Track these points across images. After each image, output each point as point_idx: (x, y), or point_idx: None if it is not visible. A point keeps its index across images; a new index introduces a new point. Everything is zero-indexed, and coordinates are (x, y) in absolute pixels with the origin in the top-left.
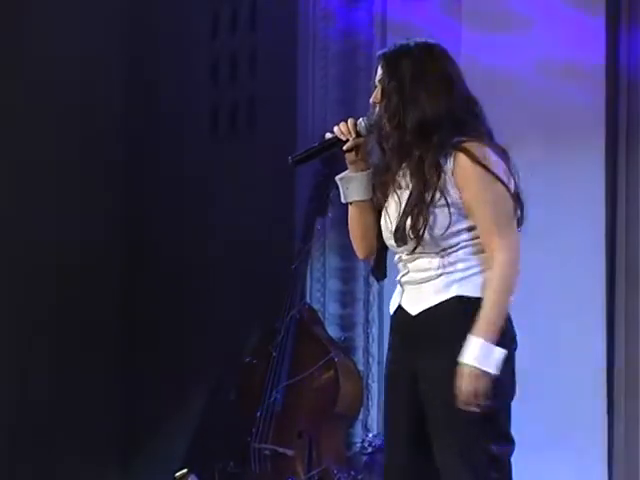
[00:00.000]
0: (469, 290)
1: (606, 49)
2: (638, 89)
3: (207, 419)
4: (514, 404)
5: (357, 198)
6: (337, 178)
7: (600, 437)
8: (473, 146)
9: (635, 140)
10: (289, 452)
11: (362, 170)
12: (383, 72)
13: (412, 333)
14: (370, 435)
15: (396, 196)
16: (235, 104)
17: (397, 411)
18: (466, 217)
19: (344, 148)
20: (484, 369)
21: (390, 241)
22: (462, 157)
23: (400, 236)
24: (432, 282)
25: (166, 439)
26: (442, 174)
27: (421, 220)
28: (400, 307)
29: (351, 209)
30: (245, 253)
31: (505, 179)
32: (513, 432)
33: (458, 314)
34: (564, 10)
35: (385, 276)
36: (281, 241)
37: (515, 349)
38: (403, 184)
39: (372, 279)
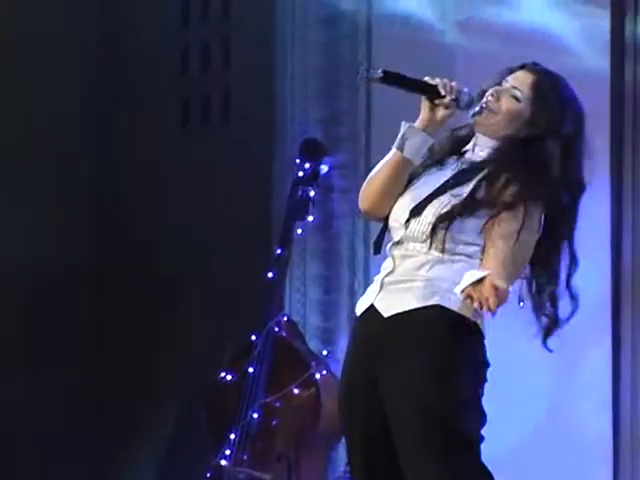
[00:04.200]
0: (453, 304)
1: (611, 54)
2: None
3: (177, 440)
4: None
5: (410, 157)
6: (405, 124)
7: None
8: None
9: None
10: (266, 477)
11: (431, 132)
12: (535, 82)
13: (379, 335)
14: None
15: (435, 177)
16: (207, 96)
17: (353, 414)
18: (481, 236)
19: (436, 102)
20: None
21: (399, 216)
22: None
23: (417, 208)
24: (416, 286)
25: (133, 463)
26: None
27: (442, 218)
28: (371, 307)
29: (393, 161)
30: (217, 260)
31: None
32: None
33: (436, 323)
34: (568, 14)
35: (380, 252)
36: (257, 246)
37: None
38: (450, 170)
39: (356, 288)
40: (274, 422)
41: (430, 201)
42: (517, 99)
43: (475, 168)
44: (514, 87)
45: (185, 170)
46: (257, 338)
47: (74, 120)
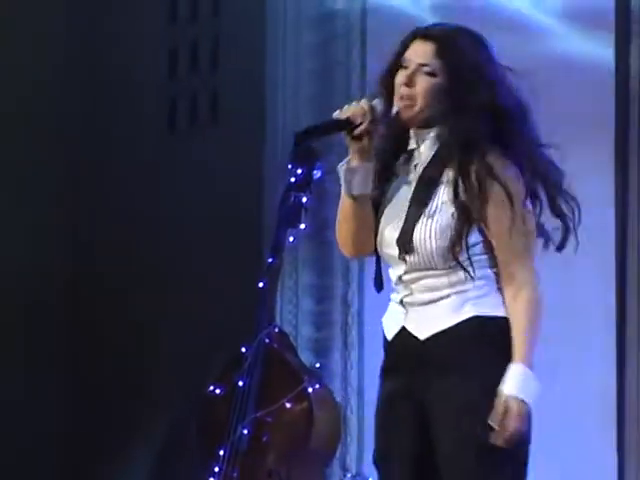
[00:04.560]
0: (487, 309)
1: (616, 53)
2: None
3: (164, 457)
4: None
5: (362, 191)
6: (341, 168)
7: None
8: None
9: None
10: None
11: (368, 160)
12: (438, 50)
13: (421, 360)
14: (348, 475)
15: (401, 195)
16: (195, 97)
17: (400, 431)
18: (479, 230)
19: (356, 133)
20: (529, 402)
21: (389, 250)
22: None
23: (404, 244)
24: (443, 302)
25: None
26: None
27: (435, 229)
28: (404, 330)
29: (348, 203)
30: (206, 269)
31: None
32: None
33: (479, 336)
34: (572, 14)
35: (383, 287)
36: (247, 255)
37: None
38: (410, 179)
39: (350, 298)
40: (265, 437)
41: (412, 228)
42: (431, 74)
43: (432, 178)
44: (421, 65)
45: (171, 175)
46: (247, 350)
47: (55, 123)
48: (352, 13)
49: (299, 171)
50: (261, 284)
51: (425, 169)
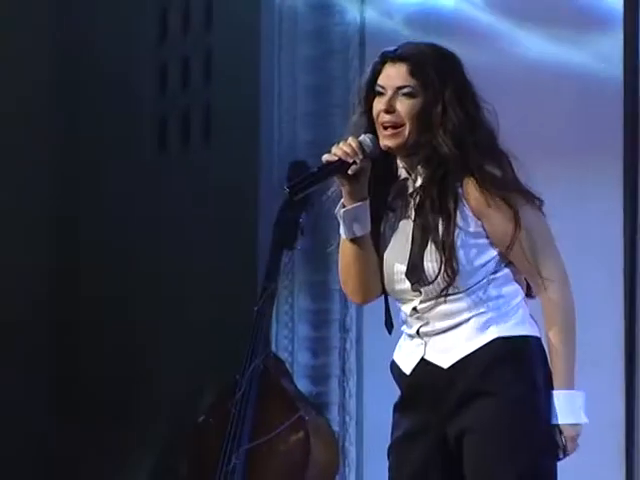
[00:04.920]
0: (510, 329)
1: (624, 63)
2: None
3: None
4: None
5: (365, 232)
6: (339, 212)
7: None
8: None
9: None
10: None
11: (363, 198)
12: (413, 69)
13: (444, 389)
14: None
15: (400, 228)
16: (187, 115)
17: (426, 469)
18: (490, 245)
19: (350, 172)
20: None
21: (400, 285)
22: (472, 182)
23: (416, 275)
24: (463, 327)
25: None
26: (458, 201)
27: (448, 255)
28: (423, 361)
29: (350, 248)
30: (198, 293)
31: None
32: None
33: (504, 358)
34: (581, 27)
35: (393, 327)
36: (241, 278)
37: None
38: (408, 209)
39: (349, 323)
40: (260, 468)
41: (421, 257)
42: (410, 95)
43: (432, 202)
44: (398, 88)
45: (162, 196)
46: (241, 377)
47: (35, 144)
48: (350, 26)
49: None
50: (256, 308)
51: (423, 194)
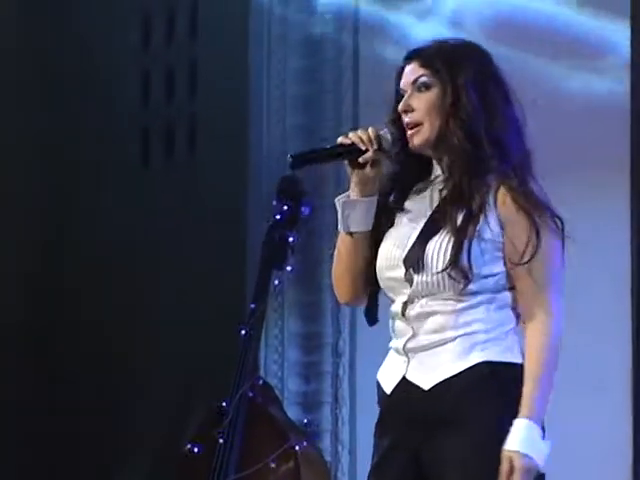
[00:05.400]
0: (498, 354)
1: (631, 78)
2: None
3: None
4: None
5: (361, 228)
6: (338, 200)
7: None
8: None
9: None
10: None
11: (370, 194)
12: (424, 61)
13: (423, 411)
14: None
15: (409, 225)
16: (171, 127)
17: None
18: (501, 259)
19: (360, 160)
20: (538, 462)
21: (392, 272)
22: (507, 189)
23: (414, 260)
24: (448, 346)
25: None
26: (486, 203)
27: (456, 248)
28: (404, 380)
29: (346, 241)
30: (184, 316)
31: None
32: None
33: (488, 385)
34: (586, 37)
35: (377, 320)
36: (229, 300)
37: None
38: (426, 203)
39: (342, 347)
40: None
41: (426, 242)
42: (425, 86)
43: (461, 194)
44: (412, 82)
45: (145, 214)
46: (228, 404)
47: (15, 158)
48: (343, 35)
49: (285, 207)
50: (244, 332)
51: (452, 187)
